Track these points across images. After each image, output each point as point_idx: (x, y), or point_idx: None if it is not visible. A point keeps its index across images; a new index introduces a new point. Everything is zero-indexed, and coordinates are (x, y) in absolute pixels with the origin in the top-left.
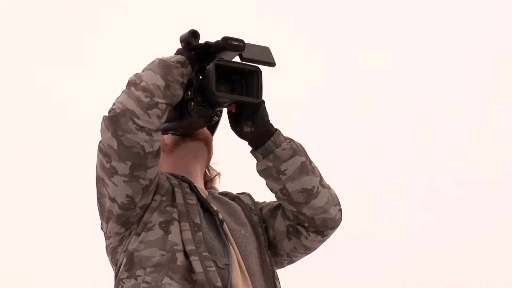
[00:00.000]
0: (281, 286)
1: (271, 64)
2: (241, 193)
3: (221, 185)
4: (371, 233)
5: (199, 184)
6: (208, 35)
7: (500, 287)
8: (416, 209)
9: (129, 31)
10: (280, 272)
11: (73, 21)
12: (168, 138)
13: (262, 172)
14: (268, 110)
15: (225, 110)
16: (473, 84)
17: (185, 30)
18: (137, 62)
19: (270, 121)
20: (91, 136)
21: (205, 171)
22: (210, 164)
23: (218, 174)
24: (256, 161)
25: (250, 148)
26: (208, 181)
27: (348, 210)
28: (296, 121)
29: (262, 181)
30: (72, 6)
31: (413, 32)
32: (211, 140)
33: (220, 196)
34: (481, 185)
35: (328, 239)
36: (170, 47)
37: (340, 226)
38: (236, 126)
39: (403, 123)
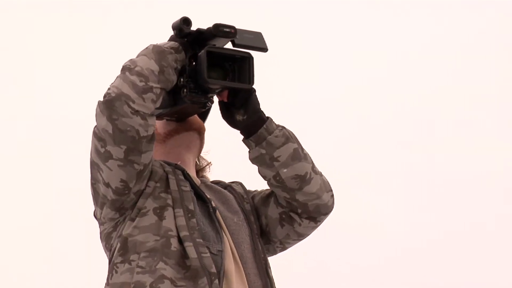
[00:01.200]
0: (273, 274)
1: (263, 49)
2: (233, 182)
3: (211, 174)
4: (370, 225)
5: (192, 173)
6: None
7: (499, 281)
8: (413, 203)
9: (129, 31)
10: (283, 263)
11: (73, 21)
12: (161, 127)
13: (255, 159)
14: (267, 110)
15: (216, 100)
16: (472, 84)
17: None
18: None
19: (262, 109)
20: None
21: (196, 161)
22: (201, 153)
23: (209, 163)
24: (248, 150)
25: (242, 137)
26: (199, 170)
27: (348, 205)
28: (294, 120)
29: (252, 169)
30: (72, 6)
31: (409, 32)
32: (204, 130)
33: (213, 184)
34: (481, 184)
35: (321, 226)
36: None
37: (342, 219)
38: (228, 115)
39: (400, 123)
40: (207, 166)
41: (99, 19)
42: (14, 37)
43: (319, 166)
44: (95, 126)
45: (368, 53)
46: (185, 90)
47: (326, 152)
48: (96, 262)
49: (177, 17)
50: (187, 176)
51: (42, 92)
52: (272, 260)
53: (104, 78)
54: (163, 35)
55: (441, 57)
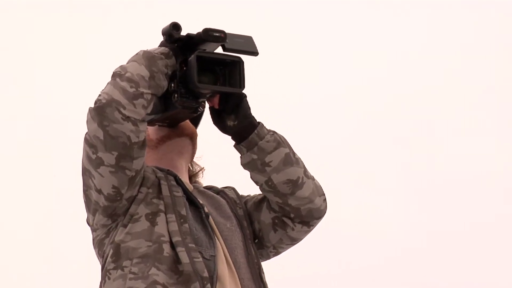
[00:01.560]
0: (266, 279)
1: (254, 53)
2: (226, 187)
3: (204, 179)
4: (370, 225)
5: (185, 179)
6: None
7: (499, 281)
8: (413, 203)
9: (129, 31)
10: (277, 267)
11: (73, 21)
12: (153, 133)
13: (246, 165)
14: (264, 108)
15: (207, 106)
16: (472, 84)
17: (185, 29)
18: None
19: (253, 115)
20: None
21: (189, 166)
22: (194, 159)
23: (202, 169)
24: (240, 155)
25: (233, 142)
26: (192, 176)
27: (348, 204)
28: (294, 120)
29: (245, 174)
30: (72, 6)
31: (409, 32)
32: (196, 135)
33: (205, 190)
34: (481, 184)
35: (320, 225)
36: None
37: (341, 219)
38: (219, 120)
39: (400, 122)
40: (200, 172)
41: (99, 19)
42: (14, 37)
43: (319, 167)
44: (86, 133)
45: (368, 53)
46: (176, 95)
47: (326, 152)
48: (96, 262)
49: (177, 18)
50: (179, 182)
51: (42, 92)
52: (266, 264)
53: (104, 78)
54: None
55: (441, 57)
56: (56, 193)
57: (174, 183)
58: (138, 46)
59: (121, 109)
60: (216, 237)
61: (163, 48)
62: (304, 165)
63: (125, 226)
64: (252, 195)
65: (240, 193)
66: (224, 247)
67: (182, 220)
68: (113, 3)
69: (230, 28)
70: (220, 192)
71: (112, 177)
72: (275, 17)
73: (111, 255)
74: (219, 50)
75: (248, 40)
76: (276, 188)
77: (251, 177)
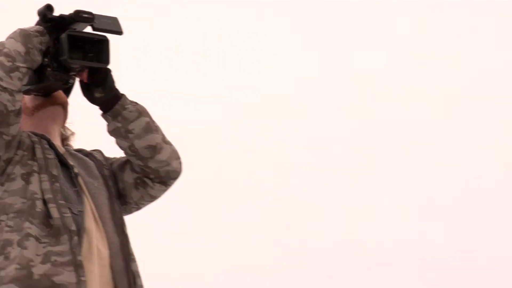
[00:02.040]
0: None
1: (119, 32)
2: (94, 150)
3: (75, 143)
4: (368, 230)
5: (57, 142)
6: (208, 36)
7: (499, 281)
8: (413, 204)
9: (129, 31)
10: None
11: None
12: (29, 101)
13: (112, 132)
14: (263, 107)
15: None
16: (472, 83)
17: (185, 29)
18: (136, 61)
19: (117, 88)
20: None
21: (61, 131)
22: (66, 124)
23: (73, 133)
24: (106, 123)
25: (101, 112)
26: (64, 140)
27: (349, 211)
28: (293, 120)
29: (111, 139)
30: (72, 6)
31: (409, 31)
32: (68, 104)
33: (76, 152)
34: (481, 184)
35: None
36: (169, 47)
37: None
38: (88, 93)
39: (401, 122)
40: (71, 136)
41: None
42: None
43: (319, 167)
44: None
45: (368, 53)
46: (49, 69)
47: (326, 152)
48: None
49: (177, 18)
50: (52, 145)
51: None
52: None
53: None
54: (162, 34)
55: (441, 57)
56: None
57: (47, 146)
58: (138, 46)
59: None
60: (84, 195)
61: (38, 26)
62: (162, 133)
63: (2, 184)
64: (117, 157)
65: (107, 155)
66: (92, 204)
67: (53, 180)
68: (113, 3)
69: (230, 28)
70: (88, 154)
71: None
72: (275, 17)
73: None
74: (89, 29)
75: (114, 21)
76: (138, 152)
77: (116, 142)
